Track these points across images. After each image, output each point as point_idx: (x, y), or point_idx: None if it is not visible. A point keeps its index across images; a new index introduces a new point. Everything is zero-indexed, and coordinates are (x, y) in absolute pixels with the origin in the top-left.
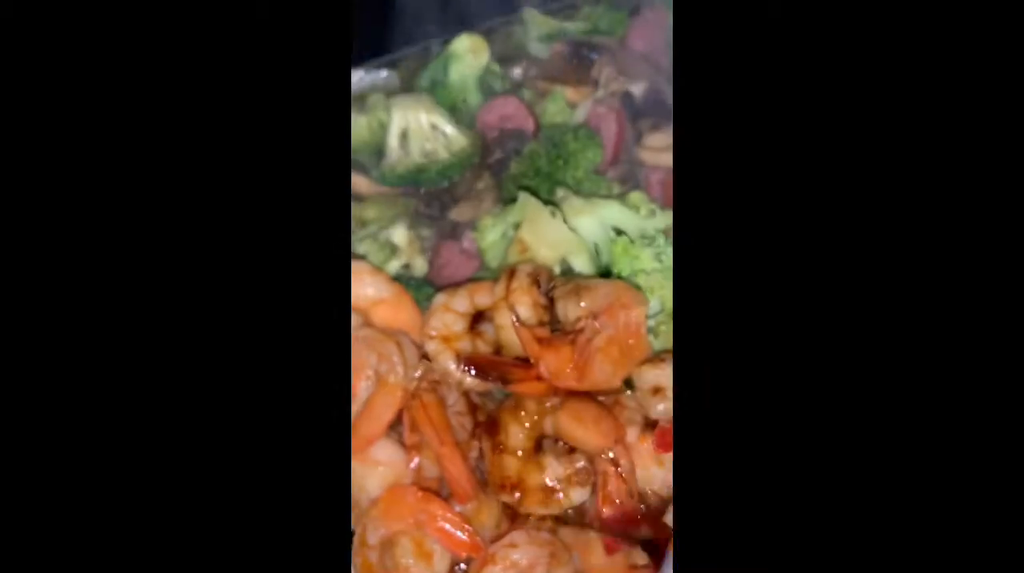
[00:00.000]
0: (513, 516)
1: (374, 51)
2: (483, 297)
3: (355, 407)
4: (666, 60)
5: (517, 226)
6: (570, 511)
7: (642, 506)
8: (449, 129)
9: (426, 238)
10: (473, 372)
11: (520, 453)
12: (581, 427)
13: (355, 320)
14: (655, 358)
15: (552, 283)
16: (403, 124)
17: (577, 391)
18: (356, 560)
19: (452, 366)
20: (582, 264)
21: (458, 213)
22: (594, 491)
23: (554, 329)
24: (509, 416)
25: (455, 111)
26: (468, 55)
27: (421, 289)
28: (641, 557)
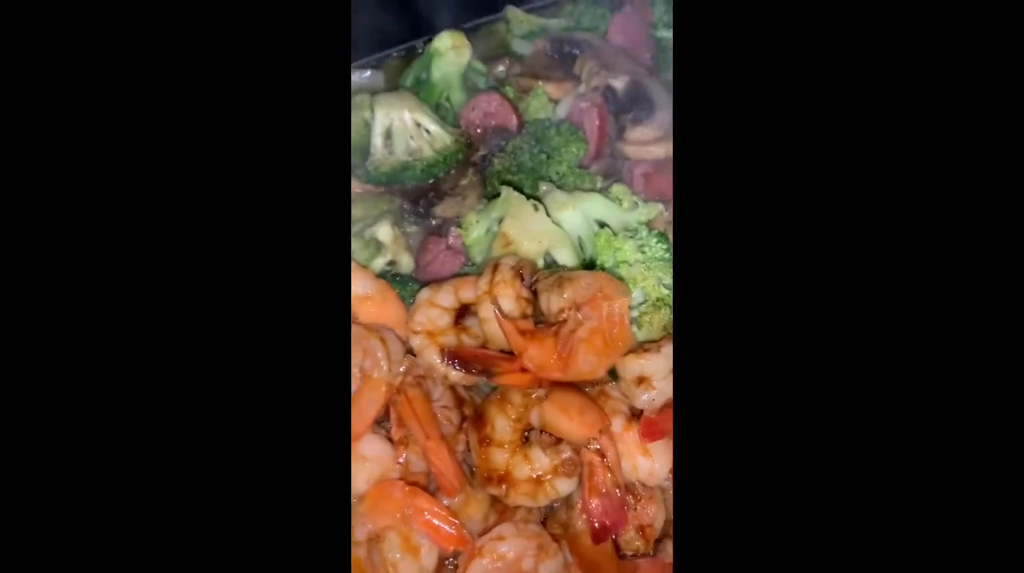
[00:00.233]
0: (502, 509)
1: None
2: (468, 292)
3: None
4: (648, 54)
5: (501, 221)
6: (557, 503)
7: (629, 497)
8: (433, 127)
9: (411, 235)
10: (457, 365)
11: (507, 445)
12: (566, 418)
13: None
14: (639, 348)
15: (535, 276)
16: (387, 122)
17: (562, 382)
18: None
19: (437, 360)
20: (566, 257)
21: (443, 210)
22: (580, 482)
23: (538, 322)
24: (495, 409)
25: (439, 109)
26: (450, 52)
27: (407, 285)
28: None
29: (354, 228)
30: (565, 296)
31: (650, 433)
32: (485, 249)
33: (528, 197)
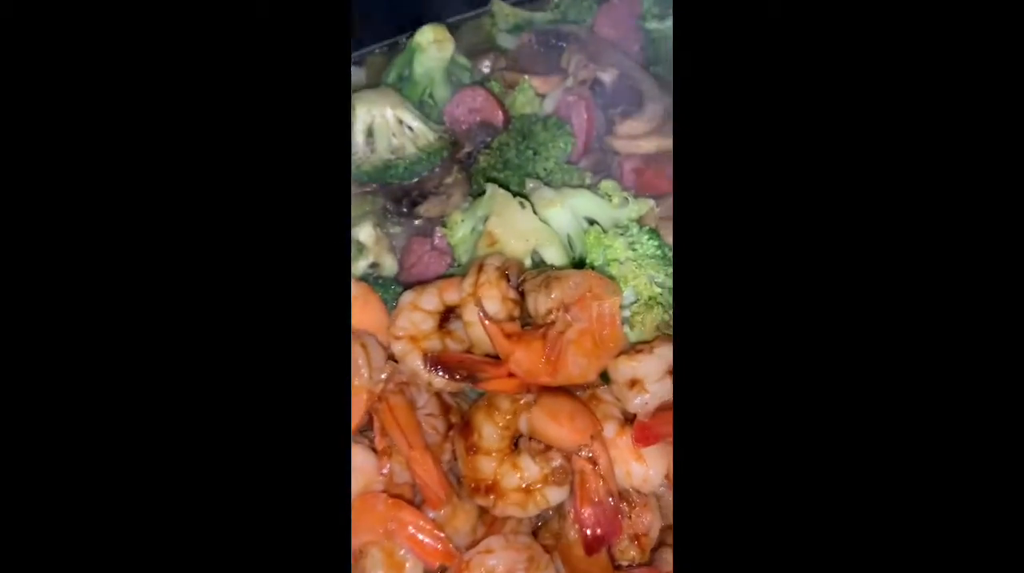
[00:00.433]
0: (490, 520)
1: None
2: (452, 294)
3: None
4: (637, 46)
5: (487, 219)
6: (548, 513)
7: (622, 505)
8: (416, 124)
9: (395, 236)
10: (441, 372)
11: (494, 454)
12: (556, 424)
13: None
14: (631, 350)
15: (522, 276)
16: (368, 120)
17: (552, 387)
18: None
19: (420, 366)
20: (554, 256)
21: (427, 209)
22: (572, 490)
23: (525, 324)
24: (482, 416)
25: (422, 105)
26: (432, 47)
27: (389, 288)
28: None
29: None
30: (553, 296)
31: (644, 438)
32: (471, 249)
33: (515, 194)
